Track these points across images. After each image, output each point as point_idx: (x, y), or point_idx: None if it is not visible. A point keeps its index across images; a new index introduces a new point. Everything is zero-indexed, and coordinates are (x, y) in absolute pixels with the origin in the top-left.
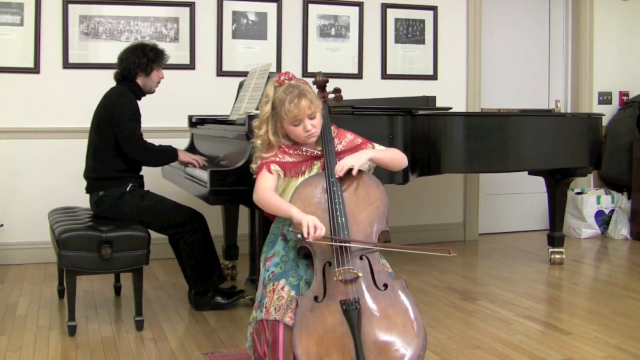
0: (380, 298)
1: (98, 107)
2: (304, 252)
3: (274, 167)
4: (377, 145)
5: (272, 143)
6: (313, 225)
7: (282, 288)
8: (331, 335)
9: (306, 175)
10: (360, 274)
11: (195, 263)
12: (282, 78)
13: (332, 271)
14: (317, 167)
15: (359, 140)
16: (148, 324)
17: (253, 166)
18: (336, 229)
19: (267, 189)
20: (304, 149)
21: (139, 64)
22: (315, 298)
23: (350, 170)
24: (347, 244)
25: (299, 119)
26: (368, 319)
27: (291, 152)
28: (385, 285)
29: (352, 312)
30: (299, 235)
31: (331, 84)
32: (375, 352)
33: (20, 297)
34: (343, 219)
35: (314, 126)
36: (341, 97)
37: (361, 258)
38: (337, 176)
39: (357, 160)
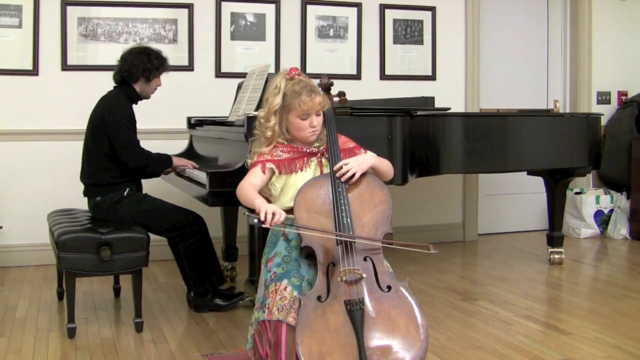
0: (384, 299)
1: (93, 112)
2: (306, 252)
3: (269, 165)
4: (369, 152)
5: (275, 136)
6: (272, 212)
7: (285, 288)
8: (334, 335)
9: (303, 172)
10: (364, 275)
11: (194, 265)
12: (293, 72)
13: (336, 271)
14: (314, 163)
15: (352, 144)
16: (147, 325)
17: (249, 161)
18: (341, 230)
19: (251, 183)
20: (298, 146)
21: (143, 69)
22: (319, 298)
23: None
24: (323, 234)
25: (309, 112)
26: (371, 320)
27: (286, 149)
28: (389, 287)
29: (356, 313)
30: (255, 220)
31: (333, 86)
32: (377, 352)
33: (20, 299)
34: (348, 219)
35: (318, 123)
36: (346, 99)
37: (365, 259)
38: (341, 180)
39: (361, 167)
